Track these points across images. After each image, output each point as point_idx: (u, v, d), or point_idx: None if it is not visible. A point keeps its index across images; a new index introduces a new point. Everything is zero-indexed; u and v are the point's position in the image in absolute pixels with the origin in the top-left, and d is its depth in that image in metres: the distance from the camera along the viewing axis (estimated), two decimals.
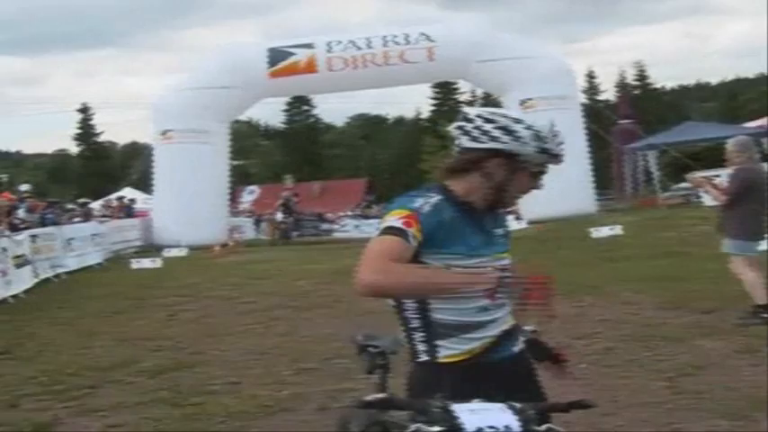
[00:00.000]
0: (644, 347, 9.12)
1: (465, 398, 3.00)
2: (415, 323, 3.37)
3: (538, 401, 3.25)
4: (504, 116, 3.37)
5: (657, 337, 9.51)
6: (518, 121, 3.34)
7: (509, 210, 3.94)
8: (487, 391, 3.18)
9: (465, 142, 3.38)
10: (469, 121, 3.38)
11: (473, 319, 3.37)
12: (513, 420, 2.77)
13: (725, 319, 9.95)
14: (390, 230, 3.16)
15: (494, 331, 3.42)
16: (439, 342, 3.36)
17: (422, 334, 3.37)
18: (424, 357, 3.38)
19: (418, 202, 3.27)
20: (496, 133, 3.32)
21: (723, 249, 10.24)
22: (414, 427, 2.81)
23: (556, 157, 3.37)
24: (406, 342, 3.43)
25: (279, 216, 35.02)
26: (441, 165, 3.52)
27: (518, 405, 2.85)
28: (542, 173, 3.45)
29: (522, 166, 3.36)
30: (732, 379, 7.67)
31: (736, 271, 10.10)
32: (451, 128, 3.46)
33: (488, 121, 3.34)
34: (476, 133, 3.35)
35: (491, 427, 2.73)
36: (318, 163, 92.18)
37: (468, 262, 3.31)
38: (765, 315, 9.69)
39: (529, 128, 3.32)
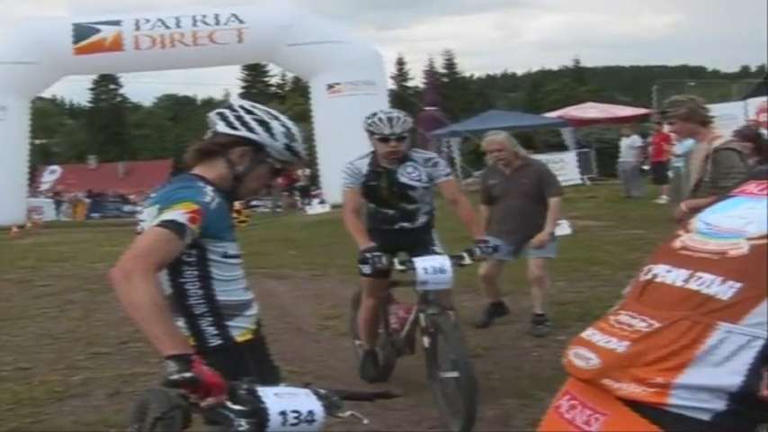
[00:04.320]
0: None
1: (265, 375, 3.22)
2: (201, 309, 3.41)
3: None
4: (265, 112, 3.57)
5: None
6: (276, 118, 3.56)
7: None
8: (270, 365, 3.59)
9: (221, 128, 3.52)
10: (232, 110, 3.55)
11: (244, 297, 3.55)
12: (317, 406, 2.84)
13: (518, 303, 10.05)
14: (171, 225, 3.16)
15: (256, 308, 3.62)
16: (229, 323, 3.44)
17: (210, 318, 3.42)
18: (216, 342, 3.43)
19: (208, 197, 3.32)
20: (253, 124, 3.51)
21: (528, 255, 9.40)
22: (218, 408, 2.83)
23: (299, 158, 3.64)
24: (189, 331, 3.41)
25: None
26: (191, 147, 3.62)
27: (322, 391, 2.92)
28: (281, 171, 3.66)
29: (266, 159, 3.53)
30: (519, 360, 8.02)
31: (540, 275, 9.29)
32: (211, 114, 3.58)
33: (248, 112, 3.54)
34: (234, 122, 3.51)
35: (295, 412, 2.78)
36: (124, 143, 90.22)
37: (236, 251, 3.53)
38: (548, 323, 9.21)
39: (283, 125, 3.55)
